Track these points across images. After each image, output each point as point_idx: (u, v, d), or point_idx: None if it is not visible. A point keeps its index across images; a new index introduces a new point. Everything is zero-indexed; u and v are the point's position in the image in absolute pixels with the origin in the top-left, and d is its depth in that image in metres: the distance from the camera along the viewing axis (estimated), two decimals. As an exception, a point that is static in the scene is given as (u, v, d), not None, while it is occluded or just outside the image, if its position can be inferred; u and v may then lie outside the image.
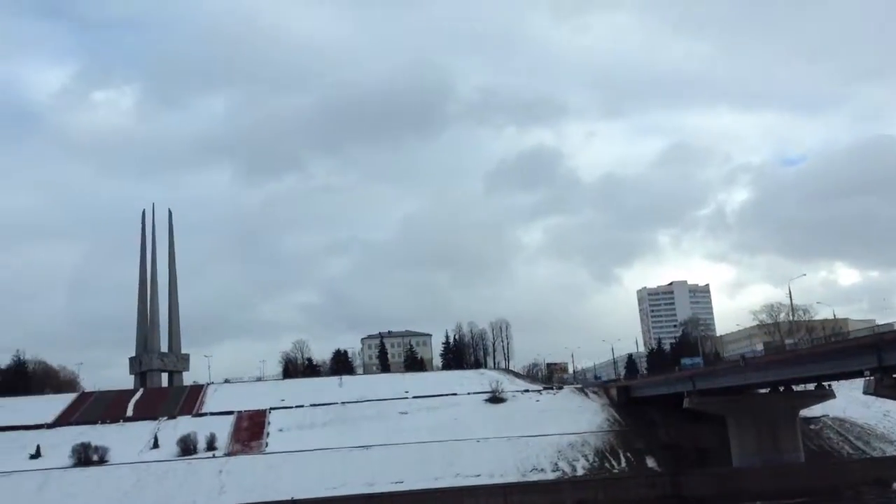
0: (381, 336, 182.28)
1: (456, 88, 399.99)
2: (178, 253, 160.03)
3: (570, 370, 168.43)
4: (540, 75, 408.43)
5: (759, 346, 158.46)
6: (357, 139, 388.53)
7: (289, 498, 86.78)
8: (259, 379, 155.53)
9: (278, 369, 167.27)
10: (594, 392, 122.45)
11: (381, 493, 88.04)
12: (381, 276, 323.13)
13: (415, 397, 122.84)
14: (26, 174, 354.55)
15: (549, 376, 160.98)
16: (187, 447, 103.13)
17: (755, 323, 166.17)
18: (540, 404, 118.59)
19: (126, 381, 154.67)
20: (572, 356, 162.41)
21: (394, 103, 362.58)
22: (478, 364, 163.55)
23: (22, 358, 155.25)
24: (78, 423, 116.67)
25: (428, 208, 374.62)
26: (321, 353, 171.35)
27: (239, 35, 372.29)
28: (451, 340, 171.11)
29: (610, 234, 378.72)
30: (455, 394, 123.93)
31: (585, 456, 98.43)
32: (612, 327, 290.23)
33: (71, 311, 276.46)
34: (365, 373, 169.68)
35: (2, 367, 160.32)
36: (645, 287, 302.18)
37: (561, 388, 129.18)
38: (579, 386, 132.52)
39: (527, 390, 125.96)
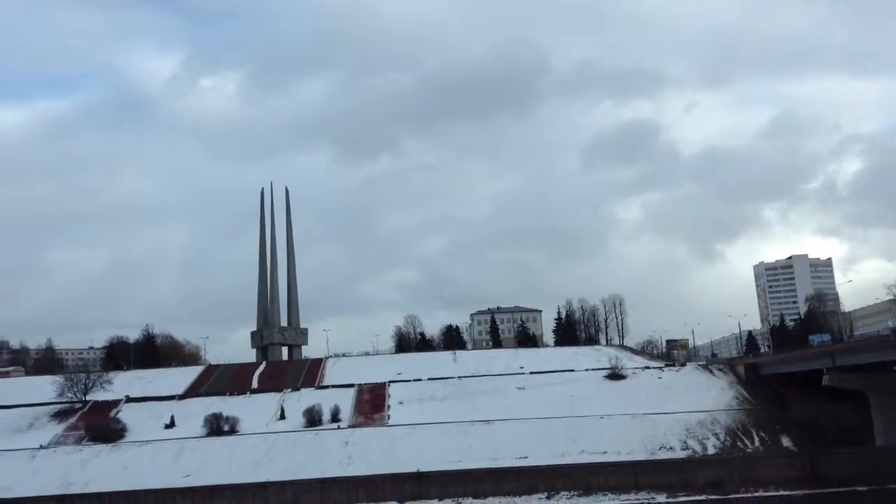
0: (491, 312, 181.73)
1: (550, 63, 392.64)
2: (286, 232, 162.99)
3: (691, 346, 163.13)
4: (637, 46, 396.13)
5: (891, 323, 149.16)
6: (451, 117, 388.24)
7: (414, 470, 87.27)
8: (366, 353, 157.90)
9: (387, 344, 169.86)
10: (719, 369, 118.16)
11: (507, 467, 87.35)
12: (476, 254, 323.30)
13: (531, 373, 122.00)
14: (146, 159, 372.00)
15: (667, 353, 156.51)
16: (312, 418, 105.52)
17: (889, 297, 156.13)
18: (662, 381, 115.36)
19: (242, 354, 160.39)
20: (692, 333, 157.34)
21: (487, 80, 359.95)
22: (591, 341, 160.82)
23: (151, 332, 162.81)
24: (207, 395, 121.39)
25: (522, 185, 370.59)
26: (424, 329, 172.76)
27: (337, 20, 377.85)
28: (563, 317, 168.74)
29: (712, 209, 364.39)
30: (572, 370, 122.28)
31: (716, 434, 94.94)
32: (719, 304, 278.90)
33: (186, 289, 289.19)
34: (474, 348, 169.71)
35: (130, 341, 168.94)
36: (762, 262, 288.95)
37: (684, 364, 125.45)
38: (703, 363, 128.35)
39: (647, 367, 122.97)
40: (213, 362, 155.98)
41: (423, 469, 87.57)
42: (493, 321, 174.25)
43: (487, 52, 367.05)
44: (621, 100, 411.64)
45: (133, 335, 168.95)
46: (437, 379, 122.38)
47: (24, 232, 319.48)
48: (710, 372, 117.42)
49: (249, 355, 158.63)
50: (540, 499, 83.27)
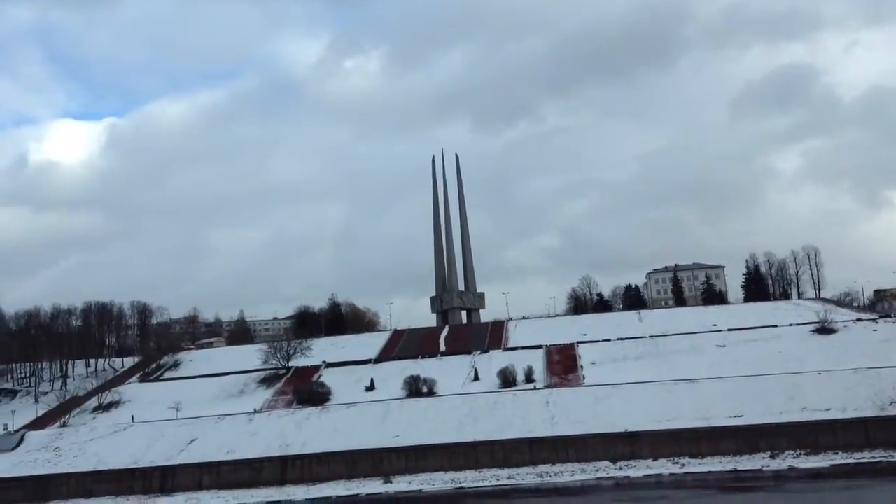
0: (672, 269, 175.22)
1: (694, 11, 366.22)
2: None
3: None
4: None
5: None
6: (588, 78, 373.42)
7: (622, 430, 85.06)
8: (523, 317, 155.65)
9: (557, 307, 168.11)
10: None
11: (723, 426, 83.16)
12: (622, 216, 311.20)
13: (729, 330, 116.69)
14: (297, 141, 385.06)
15: (873, 304, 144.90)
16: (507, 379, 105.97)
17: None
18: (879, 334, 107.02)
19: (412, 319, 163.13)
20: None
21: (626, 37, 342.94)
22: (784, 295, 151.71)
23: (336, 302, 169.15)
24: (398, 359, 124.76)
25: (669, 142, 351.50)
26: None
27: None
28: (751, 271, 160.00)
29: (879, 153, 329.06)
30: (775, 325, 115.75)
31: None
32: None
33: (341, 262, 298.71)
34: (653, 307, 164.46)
35: (314, 310, 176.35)
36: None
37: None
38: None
39: (859, 319, 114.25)
40: (388, 328, 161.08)
41: (632, 429, 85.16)
42: (676, 279, 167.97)
43: (625, 7, 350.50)
44: (773, 44, 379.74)
45: (317, 305, 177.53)
46: (626, 339, 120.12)
47: (192, 215, 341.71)
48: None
49: (414, 321, 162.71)
50: (763, 458, 78.63)
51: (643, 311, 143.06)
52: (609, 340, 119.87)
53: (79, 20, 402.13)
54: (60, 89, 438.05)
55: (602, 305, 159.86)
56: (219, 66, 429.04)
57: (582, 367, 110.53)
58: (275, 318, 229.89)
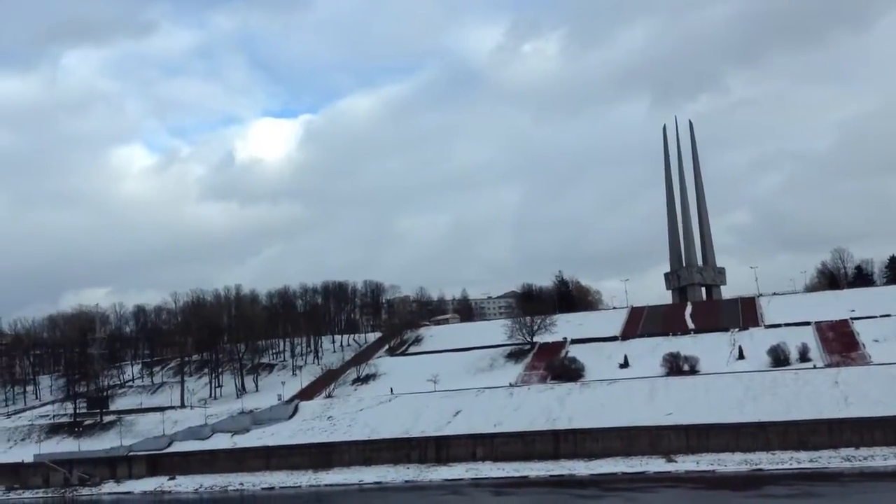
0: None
1: None
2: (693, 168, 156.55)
3: None
4: None
5: None
6: (776, 44, 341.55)
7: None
8: (773, 293, 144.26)
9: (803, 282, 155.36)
10: None
11: None
12: (820, 189, 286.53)
13: None
14: (477, 128, 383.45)
15: None
16: (778, 357, 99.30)
17: None
18: None
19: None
20: None
21: None
22: None
23: (564, 279, 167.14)
24: (644, 336, 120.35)
25: (872, 107, 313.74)
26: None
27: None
28: None
29: None
30: None
31: None
32: None
33: (521, 244, 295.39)
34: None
35: (536, 288, 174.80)
36: None
37: None
38: None
39: None
40: (612, 305, 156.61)
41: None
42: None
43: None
44: None
45: (541, 283, 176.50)
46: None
47: (381, 204, 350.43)
48: None
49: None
50: None
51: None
52: (889, 316, 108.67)
53: (276, 25, 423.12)
54: (261, 90, 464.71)
55: (862, 279, 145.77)
56: (402, 59, 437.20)
57: (864, 344, 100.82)
58: (488, 297, 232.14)
